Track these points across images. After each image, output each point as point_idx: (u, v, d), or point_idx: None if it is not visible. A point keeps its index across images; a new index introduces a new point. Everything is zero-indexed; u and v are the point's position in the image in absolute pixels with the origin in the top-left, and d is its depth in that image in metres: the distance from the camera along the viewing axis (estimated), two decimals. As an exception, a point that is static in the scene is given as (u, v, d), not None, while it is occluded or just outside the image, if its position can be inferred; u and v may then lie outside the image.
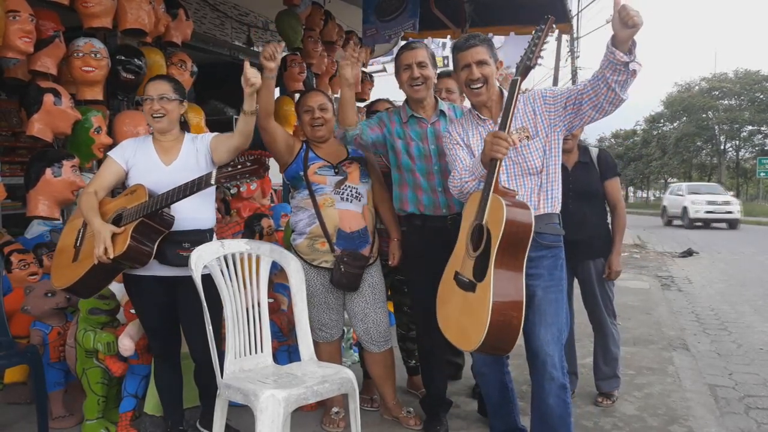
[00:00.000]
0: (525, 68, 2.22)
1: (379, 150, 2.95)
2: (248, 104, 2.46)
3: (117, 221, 2.39)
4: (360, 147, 2.93)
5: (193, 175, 2.39)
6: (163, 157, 2.56)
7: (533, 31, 2.22)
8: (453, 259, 2.37)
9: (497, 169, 2.18)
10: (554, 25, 2.19)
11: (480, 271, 2.18)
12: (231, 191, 2.29)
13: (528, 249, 2.18)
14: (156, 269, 2.48)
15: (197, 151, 2.59)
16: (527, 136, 2.36)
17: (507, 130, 2.19)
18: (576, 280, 3.33)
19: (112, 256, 2.29)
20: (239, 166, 2.20)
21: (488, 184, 2.20)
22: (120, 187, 2.68)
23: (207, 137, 2.64)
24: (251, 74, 2.38)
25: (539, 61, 2.21)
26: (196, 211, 2.52)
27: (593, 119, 2.30)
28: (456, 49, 2.49)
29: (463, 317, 2.24)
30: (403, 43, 5.35)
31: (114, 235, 2.32)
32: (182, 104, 2.60)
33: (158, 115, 2.53)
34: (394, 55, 2.99)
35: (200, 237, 2.49)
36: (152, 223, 2.35)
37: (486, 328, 2.08)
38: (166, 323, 2.59)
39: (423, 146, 2.82)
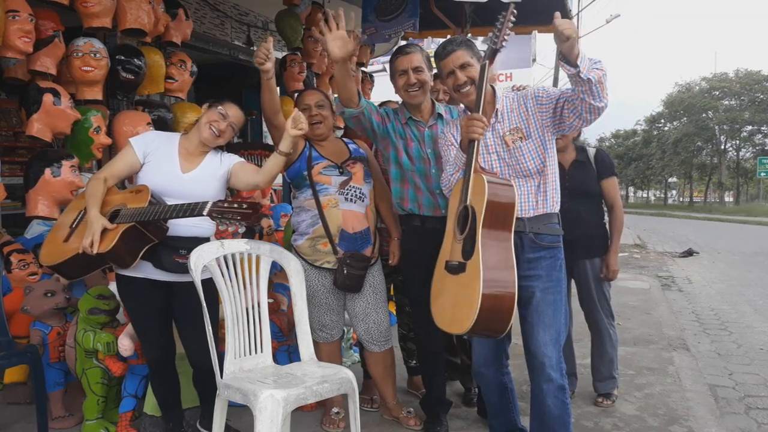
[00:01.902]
0: (492, 51, 2.26)
1: (378, 142, 2.93)
2: (285, 145, 2.49)
3: (114, 217, 2.38)
4: (358, 125, 2.85)
5: (207, 187, 2.43)
6: (183, 163, 2.54)
7: (498, 17, 2.28)
8: (441, 254, 2.37)
9: (476, 151, 2.22)
10: (512, 23, 2.26)
11: (468, 250, 2.19)
12: (221, 226, 2.28)
13: (514, 221, 2.21)
14: (150, 272, 2.47)
15: (220, 164, 2.60)
16: (521, 137, 2.37)
17: (480, 111, 2.24)
18: (573, 280, 3.32)
19: (96, 251, 2.28)
20: (235, 206, 2.18)
21: (468, 167, 2.23)
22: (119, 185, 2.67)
23: (233, 157, 2.65)
24: (300, 119, 2.46)
25: (504, 43, 2.27)
26: (196, 220, 2.49)
27: (579, 127, 2.35)
28: (437, 58, 2.50)
29: (456, 299, 2.23)
30: (403, 43, 5.35)
31: (104, 230, 2.31)
32: (234, 134, 2.64)
33: (216, 132, 2.54)
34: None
35: (198, 245, 2.46)
36: (144, 231, 2.34)
37: (479, 302, 2.07)
38: (158, 326, 2.56)
39: (421, 149, 2.82)
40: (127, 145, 2.57)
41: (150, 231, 2.35)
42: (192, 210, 2.25)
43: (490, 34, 2.26)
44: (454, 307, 2.24)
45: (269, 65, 2.62)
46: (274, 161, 2.51)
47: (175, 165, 2.53)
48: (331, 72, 5.85)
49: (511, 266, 2.17)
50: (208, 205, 2.21)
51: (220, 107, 2.55)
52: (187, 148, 2.58)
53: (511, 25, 2.25)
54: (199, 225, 2.53)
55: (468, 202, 2.21)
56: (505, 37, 2.25)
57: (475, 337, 2.39)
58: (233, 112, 2.58)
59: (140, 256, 2.36)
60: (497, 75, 3.28)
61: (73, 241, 2.41)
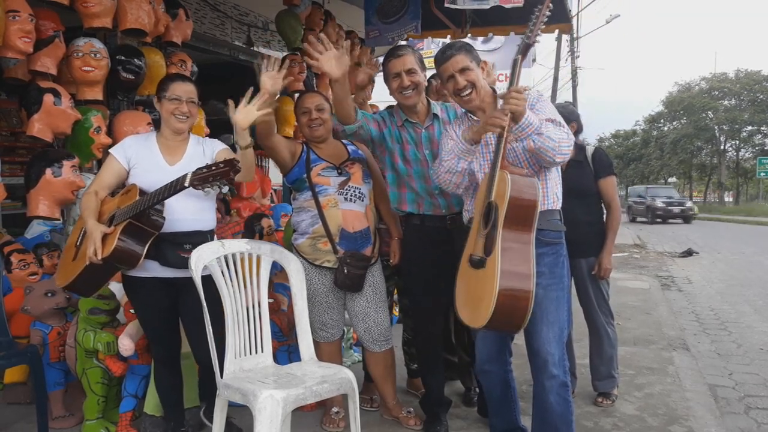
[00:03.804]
0: (525, 46, 2.26)
1: (375, 148, 2.94)
2: (241, 138, 2.42)
3: (111, 222, 2.40)
4: (359, 139, 2.88)
5: None
6: (167, 158, 2.55)
7: (534, 11, 2.27)
8: (467, 248, 2.36)
9: (503, 145, 2.22)
10: (547, 18, 2.23)
11: (489, 246, 2.20)
12: (214, 190, 2.27)
13: (536, 220, 2.22)
14: (157, 271, 2.48)
15: (203, 154, 2.58)
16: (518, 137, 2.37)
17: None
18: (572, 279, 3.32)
19: (100, 257, 2.29)
20: (213, 168, 2.19)
21: (495, 163, 2.24)
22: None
23: (216, 145, 2.63)
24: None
25: (538, 38, 2.27)
26: (197, 213, 2.52)
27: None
28: (437, 63, 2.51)
29: (476, 294, 2.24)
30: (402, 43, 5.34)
31: (105, 236, 2.33)
32: (199, 106, 2.61)
33: (184, 117, 2.52)
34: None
35: (201, 238, 2.48)
36: (140, 225, 2.34)
37: (495, 297, 2.08)
38: (166, 325, 2.58)
39: (418, 151, 2.82)
40: (108, 156, 2.58)
41: (146, 224, 2.35)
42: (175, 187, 2.26)
43: (527, 31, 2.26)
44: (473, 301, 2.25)
45: (272, 89, 2.55)
46: (241, 156, 2.43)
47: (161, 161, 2.54)
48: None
49: (529, 263, 2.18)
50: (188, 177, 2.21)
51: (167, 94, 2.52)
52: (165, 143, 2.58)
53: (545, 20, 2.25)
54: (200, 219, 2.54)
55: (492, 198, 2.22)
56: (539, 32, 2.26)
57: (491, 331, 2.39)
58: (182, 89, 2.53)
59: (145, 252, 2.36)
60: (497, 77, 3.25)
61: (81, 256, 2.43)
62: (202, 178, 2.19)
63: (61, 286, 2.54)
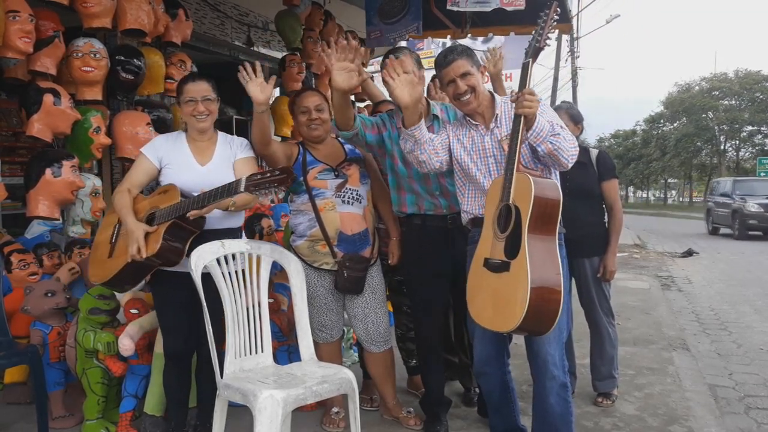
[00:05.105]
0: (535, 50, 2.28)
1: (375, 152, 2.94)
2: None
3: (150, 221, 2.43)
4: (353, 144, 2.90)
5: (227, 177, 2.46)
6: (198, 158, 2.58)
7: (540, 15, 2.30)
8: (478, 252, 2.35)
9: (518, 149, 2.22)
10: (555, 21, 2.25)
11: (512, 249, 2.18)
12: (271, 195, 2.29)
13: (559, 219, 2.22)
14: (185, 267, 2.48)
15: (231, 149, 2.62)
16: None
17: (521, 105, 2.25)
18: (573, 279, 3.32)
19: (144, 256, 2.33)
20: (268, 175, 2.20)
21: (510, 167, 2.23)
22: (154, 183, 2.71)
23: (239, 151, 2.63)
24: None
25: (548, 42, 2.29)
26: (225, 212, 2.52)
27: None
28: (438, 67, 2.52)
29: (498, 297, 2.22)
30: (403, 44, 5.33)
31: (147, 235, 2.37)
32: (218, 101, 2.62)
33: (203, 117, 2.54)
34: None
35: (232, 236, 2.53)
36: (184, 224, 2.39)
37: (527, 300, 2.07)
38: (185, 320, 2.58)
39: None
40: (139, 155, 2.63)
41: (190, 223, 2.39)
42: (228, 190, 2.28)
43: (534, 32, 2.29)
44: (496, 305, 2.23)
45: (263, 98, 2.56)
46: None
47: (192, 161, 2.58)
48: (331, 72, 5.86)
49: (557, 266, 2.18)
50: (243, 182, 2.23)
51: (182, 97, 2.55)
52: (194, 144, 2.62)
53: (554, 23, 2.27)
54: (229, 216, 2.57)
55: (511, 201, 2.21)
56: (548, 36, 2.28)
57: (517, 334, 2.38)
58: (195, 89, 2.54)
59: (186, 250, 2.40)
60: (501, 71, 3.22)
61: (118, 254, 2.47)
62: (257, 184, 2.21)
63: (98, 282, 2.59)
